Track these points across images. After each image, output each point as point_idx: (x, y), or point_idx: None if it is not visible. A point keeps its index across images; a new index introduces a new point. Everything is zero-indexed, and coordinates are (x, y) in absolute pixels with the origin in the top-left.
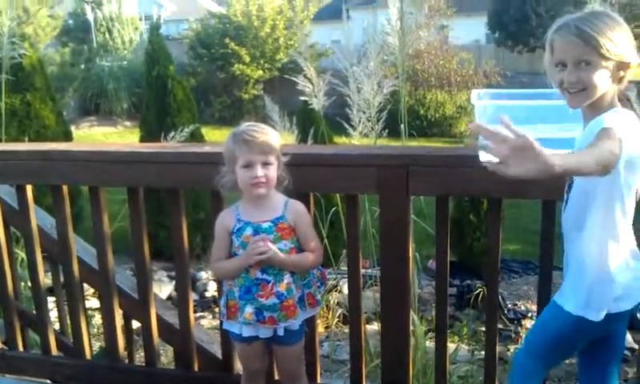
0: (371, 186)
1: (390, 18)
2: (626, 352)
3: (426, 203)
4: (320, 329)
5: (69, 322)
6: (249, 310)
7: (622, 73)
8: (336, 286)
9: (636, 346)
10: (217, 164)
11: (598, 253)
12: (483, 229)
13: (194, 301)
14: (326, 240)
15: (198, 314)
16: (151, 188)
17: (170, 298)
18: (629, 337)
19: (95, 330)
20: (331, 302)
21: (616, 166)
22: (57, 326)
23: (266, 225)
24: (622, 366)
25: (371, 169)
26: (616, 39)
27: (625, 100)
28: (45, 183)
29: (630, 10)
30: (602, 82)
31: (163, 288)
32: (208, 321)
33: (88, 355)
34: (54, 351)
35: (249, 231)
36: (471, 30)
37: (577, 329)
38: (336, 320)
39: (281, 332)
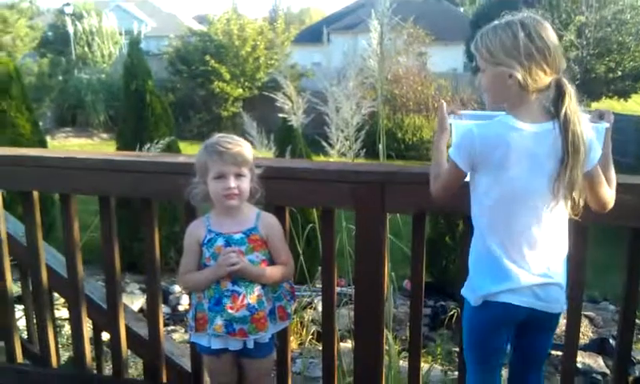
0: (347, 202)
1: (370, 41)
2: (598, 376)
3: (403, 224)
4: (293, 345)
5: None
6: (218, 321)
7: (510, 82)
8: (310, 303)
9: (607, 371)
10: (191, 175)
11: (472, 248)
12: (459, 251)
13: (167, 314)
14: (301, 257)
15: (170, 328)
16: (123, 197)
17: (141, 310)
18: (600, 361)
19: (65, 339)
20: (305, 319)
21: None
22: (25, 335)
23: (237, 236)
24: None
25: (347, 185)
26: (496, 50)
27: (553, 111)
28: (15, 189)
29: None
30: (491, 86)
31: (135, 300)
32: (180, 334)
33: (55, 364)
34: (20, 359)
35: (220, 242)
36: (449, 58)
37: (473, 316)
38: (310, 337)
39: (250, 344)
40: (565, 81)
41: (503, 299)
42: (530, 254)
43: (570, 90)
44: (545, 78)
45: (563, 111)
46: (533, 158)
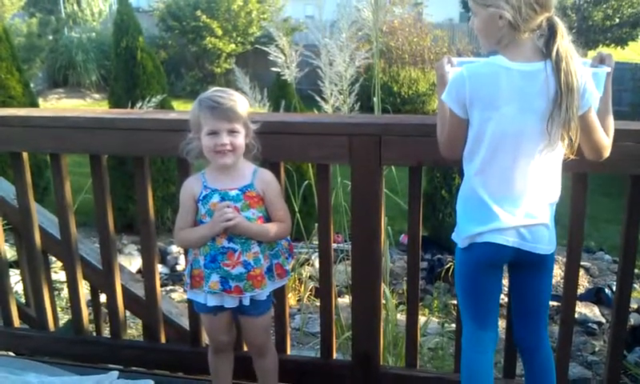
0: (343, 155)
1: None
2: (593, 325)
3: (399, 179)
4: (292, 302)
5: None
6: (214, 278)
7: (501, 23)
8: (308, 260)
9: (603, 320)
10: (184, 131)
11: (460, 191)
12: (454, 204)
13: (165, 274)
14: (298, 214)
15: (169, 288)
16: (115, 156)
17: (139, 271)
18: (596, 310)
19: (64, 303)
20: (303, 276)
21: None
22: (23, 300)
23: (233, 192)
24: (588, 339)
25: (343, 138)
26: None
27: (545, 50)
28: (4, 150)
29: None
30: (483, 29)
31: (133, 261)
32: (179, 294)
33: (52, 327)
34: (17, 323)
35: (216, 198)
36: (445, 8)
37: (462, 259)
38: (308, 293)
39: (246, 302)
40: (556, 19)
41: (488, 239)
42: (516, 196)
43: (562, 29)
44: (536, 17)
45: (555, 50)
46: (523, 98)
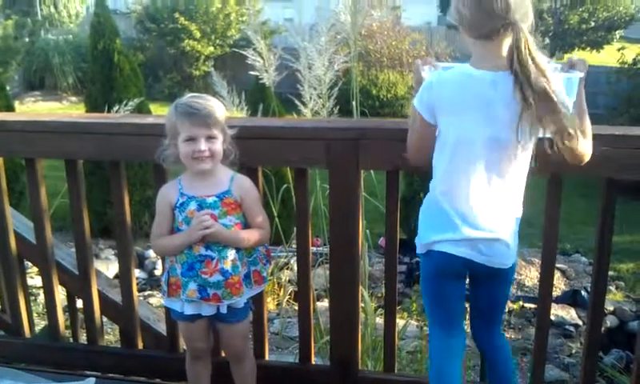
0: (320, 159)
1: None
2: (570, 328)
3: (378, 182)
4: (271, 306)
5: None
6: (192, 287)
7: (461, 29)
8: (287, 264)
9: (580, 322)
10: (160, 136)
11: (425, 197)
12: None
13: (143, 279)
14: (277, 218)
15: (147, 293)
16: (91, 160)
17: (117, 276)
18: (572, 313)
19: (41, 308)
20: (282, 280)
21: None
22: None
23: (210, 199)
24: (565, 342)
25: (320, 142)
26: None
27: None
28: None
29: None
30: (464, 38)
31: (110, 266)
32: (157, 299)
33: (28, 333)
34: None
35: (193, 206)
36: (423, 11)
37: (423, 264)
38: (287, 297)
39: (224, 309)
40: (519, 27)
41: (441, 248)
42: (477, 207)
43: (525, 37)
44: (484, 23)
45: (515, 60)
46: (486, 106)
